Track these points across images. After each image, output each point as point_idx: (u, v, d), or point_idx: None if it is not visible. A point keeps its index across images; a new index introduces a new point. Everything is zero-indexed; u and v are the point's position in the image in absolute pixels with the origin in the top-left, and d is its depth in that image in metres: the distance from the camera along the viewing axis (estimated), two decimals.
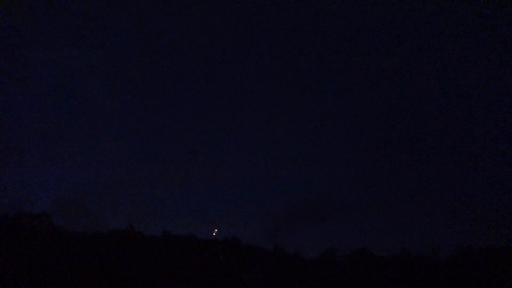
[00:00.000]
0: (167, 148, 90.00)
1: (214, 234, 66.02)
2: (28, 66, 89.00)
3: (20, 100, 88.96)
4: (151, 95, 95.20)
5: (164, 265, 54.40)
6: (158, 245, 58.03)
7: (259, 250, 65.07)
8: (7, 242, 55.64)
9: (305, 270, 58.55)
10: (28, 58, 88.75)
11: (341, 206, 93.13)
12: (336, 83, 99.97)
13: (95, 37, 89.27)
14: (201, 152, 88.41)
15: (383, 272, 57.13)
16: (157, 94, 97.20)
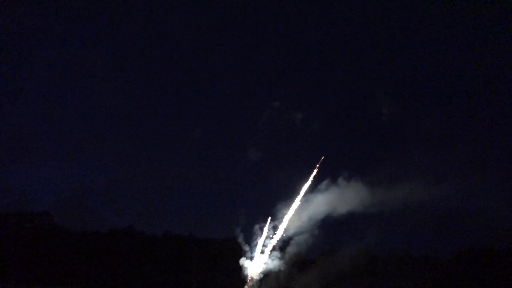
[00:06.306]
0: (168, 147, 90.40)
1: None
2: (29, 65, 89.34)
3: (21, 99, 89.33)
4: (152, 94, 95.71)
5: (164, 265, 54.59)
6: (158, 245, 58.22)
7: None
8: (9, 240, 55.97)
9: (306, 270, 58.51)
10: (29, 57, 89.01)
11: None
12: (337, 81, 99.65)
13: (98, 35, 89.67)
14: (201, 152, 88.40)
15: (384, 272, 57.09)
16: (159, 93, 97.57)
